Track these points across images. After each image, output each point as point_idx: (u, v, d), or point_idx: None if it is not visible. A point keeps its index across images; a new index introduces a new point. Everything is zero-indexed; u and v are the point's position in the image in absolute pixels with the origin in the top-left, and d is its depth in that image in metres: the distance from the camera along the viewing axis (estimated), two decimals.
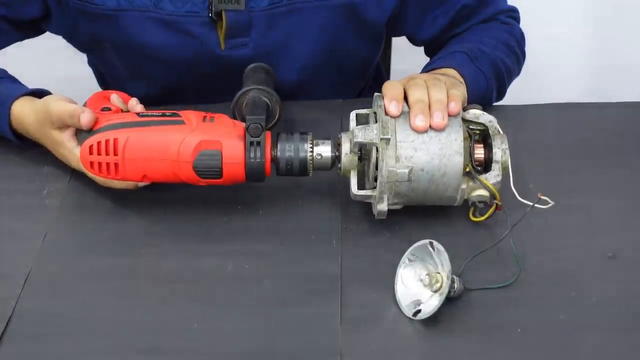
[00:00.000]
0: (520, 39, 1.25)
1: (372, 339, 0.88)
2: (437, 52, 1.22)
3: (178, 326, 0.90)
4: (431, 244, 0.90)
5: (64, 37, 1.24)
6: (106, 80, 1.35)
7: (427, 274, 0.90)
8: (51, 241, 1.00)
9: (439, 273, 0.89)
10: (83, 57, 1.34)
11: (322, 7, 1.15)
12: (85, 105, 1.06)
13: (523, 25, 1.27)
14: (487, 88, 1.14)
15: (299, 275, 0.95)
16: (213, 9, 1.13)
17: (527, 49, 1.25)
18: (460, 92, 0.99)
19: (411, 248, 0.91)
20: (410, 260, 0.92)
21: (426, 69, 1.14)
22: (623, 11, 1.96)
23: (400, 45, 1.41)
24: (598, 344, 0.87)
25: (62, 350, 0.89)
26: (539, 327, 0.88)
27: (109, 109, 1.04)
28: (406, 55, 1.38)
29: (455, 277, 0.89)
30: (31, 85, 1.15)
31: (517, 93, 1.24)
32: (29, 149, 1.11)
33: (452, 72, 1.11)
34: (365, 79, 1.35)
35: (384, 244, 0.98)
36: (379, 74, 1.43)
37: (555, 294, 0.92)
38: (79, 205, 1.01)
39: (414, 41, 1.28)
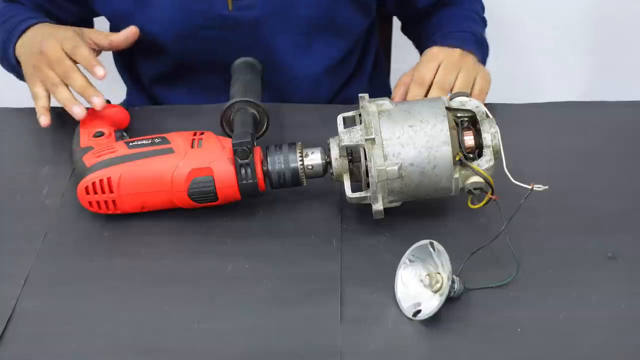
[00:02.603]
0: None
1: (372, 339, 0.88)
2: (414, 28, 1.31)
3: (178, 326, 0.90)
4: (431, 244, 0.90)
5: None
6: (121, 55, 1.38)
7: (428, 275, 0.90)
8: (51, 241, 1.00)
9: (439, 273, 0.89)
10: None
11: None
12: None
13: (523, 24, 1.27)
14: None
15: (299, 275, 0.95)
16: None
17: (528, 49, 1.25)
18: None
19: (411, 248, 0.91)
20: (410, 261, 0.92)
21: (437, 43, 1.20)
22: (623, 11, 1.96)
23: (401, 45, 1.41)
24: (598, 344, 0.87)
25: (62, 350, 0.89)
26: (539, 327, 0.88)
27: (102, 134, 1.05)
28: (406, 56, 1.38)
29: (455, 277, 0.89)
30: None
31: (517, 93, 1.24)
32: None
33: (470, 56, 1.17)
34: (357, 57, 1.35)
35: (384, 244, 0.98)
36: (379, 62, 1.44)
37: (555, 294, 0.92)
38: (79, 205, 1.01)
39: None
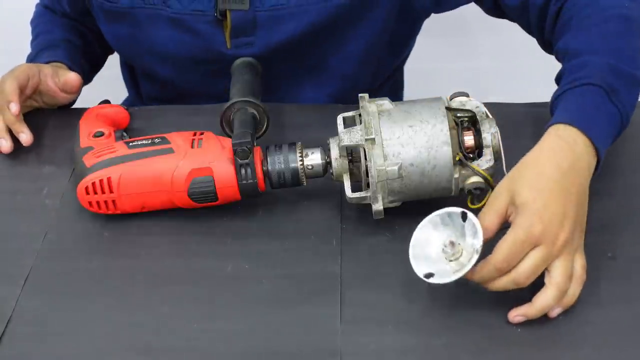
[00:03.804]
0: None
1: (372, 339, 0.88)
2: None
3: (178, 326, 0.90)
4: (464, 214, 0.87)
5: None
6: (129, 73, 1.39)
7: (451, 242, 0.87)
8: (51, 241, 1.01)
9: (460, 244, 0.87)
10: None
11: (326, 8, 1.15)
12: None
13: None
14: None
15: (299, 275, 0.95)
16: (218, 8, 1.14)
17: (527, 49, 1.21)
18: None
19: (441, 211, 0.88)
20: (436, 223, 0.89)
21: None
22: None
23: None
24: (598, 344, 0.87)
25: (62, 350, 0.89)
26: (539, 327, 0.88)
27: (102, 134, 1.05)
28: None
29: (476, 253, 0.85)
30: None
31: (517, 92, 1.23)
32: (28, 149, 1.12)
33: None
34: (374, 85, 1.33)
35: (384, 244, 0.98)
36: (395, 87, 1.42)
37: None
38: (79, 205, 1.01)
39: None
